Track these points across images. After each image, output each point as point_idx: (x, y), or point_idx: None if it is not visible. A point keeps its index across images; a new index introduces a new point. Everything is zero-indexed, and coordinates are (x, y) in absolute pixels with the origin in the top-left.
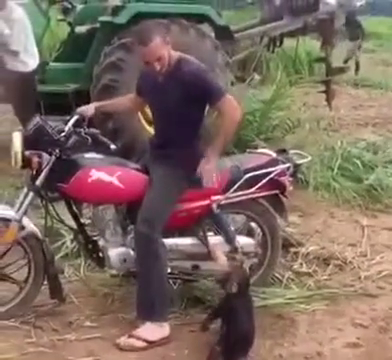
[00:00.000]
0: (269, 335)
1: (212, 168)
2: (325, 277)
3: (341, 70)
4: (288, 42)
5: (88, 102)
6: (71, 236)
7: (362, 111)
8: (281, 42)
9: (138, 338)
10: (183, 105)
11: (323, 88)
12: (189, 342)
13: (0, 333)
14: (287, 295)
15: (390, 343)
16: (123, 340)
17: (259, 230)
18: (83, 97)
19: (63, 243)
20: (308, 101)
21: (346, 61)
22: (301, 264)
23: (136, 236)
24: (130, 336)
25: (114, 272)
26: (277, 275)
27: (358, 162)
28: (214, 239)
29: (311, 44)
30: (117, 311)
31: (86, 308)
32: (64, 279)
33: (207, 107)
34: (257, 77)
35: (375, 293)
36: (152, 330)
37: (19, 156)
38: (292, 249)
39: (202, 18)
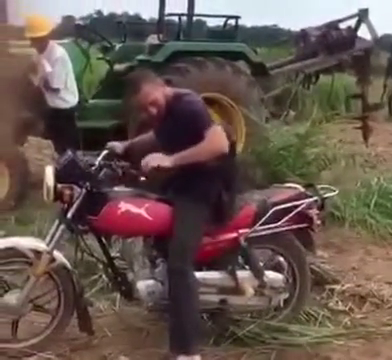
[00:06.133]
0: None
1: (158, 158)
2: (361, 315)
3: (377, 106)
4: (325, 78)
5: (126, 138)
6: None
7: None
8: (317, 79)
9: None
10: (187, 141)
11: (360, 124)
12: None
13: None
14: (322, 333)
15: None
16: None
17: (287, 264)
18: (121, 133)
19: (100, 276)
20: (345, 137)
21: (382, 97)
22: (337, 302)
23: (169, 271)
24: None
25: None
26: (312, 312)
27: None
28: (242, 273)
29: (348, 80)
30: (151, 345)
31: (120, 342)
32: (99, 312)
33: None
34: (292, 113)
35: None
36: None
37: (51, 189)
38: (327, 286)
39: (238, 55)
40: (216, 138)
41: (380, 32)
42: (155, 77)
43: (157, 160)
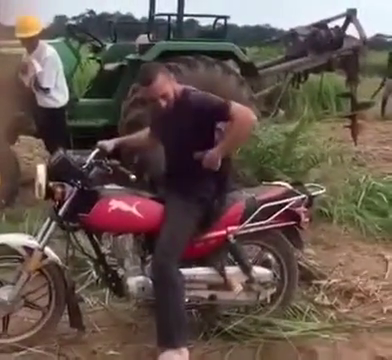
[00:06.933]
0: None
1: (214, 154)
2: (347, 310)
3: (366, 105)
4: (315, 77)
5: (116, 137)
6: None
7: (389, 146)
8: (306, 78)
9: None
10: (193, 136)
11: (350, 123)
12: None
13: None
14: (308, 327)
15: None
16: None
17: (275, 260)
18: (111, 132)
19: (89, 273)
20: (335, 136)
21: (373, 96)
22: (323, 296)
23: (153, 266)
24: None
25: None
26: (298, 307)
27: (383, 196)
28: (231, 269)
29: (338, 79)
30: (140, 341)
31: (110, 337)
32: (89, 308)
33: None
34: (281, 112)
35: None
36: (171, 357)
37: (43, 187)
38: (314, 281)
39: (227, 55)
40: (244, 110)
41: (373, 32)
42: (168, 70)
43: (214, 163)
